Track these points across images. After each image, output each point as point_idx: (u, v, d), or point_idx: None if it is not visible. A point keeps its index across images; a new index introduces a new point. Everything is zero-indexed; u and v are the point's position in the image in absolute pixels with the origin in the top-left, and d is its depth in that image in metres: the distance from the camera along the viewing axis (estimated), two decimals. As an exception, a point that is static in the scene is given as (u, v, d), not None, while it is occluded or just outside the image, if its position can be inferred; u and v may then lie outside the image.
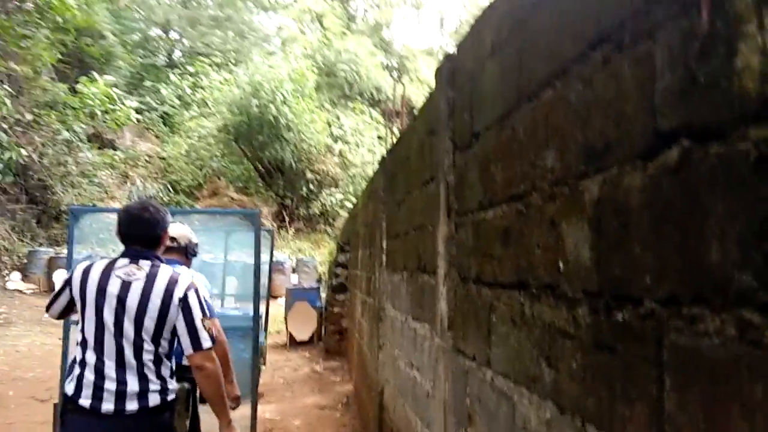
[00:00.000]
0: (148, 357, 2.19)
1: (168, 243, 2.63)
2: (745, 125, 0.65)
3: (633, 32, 0.88)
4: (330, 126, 19.90)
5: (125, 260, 2.28)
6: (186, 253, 2.99)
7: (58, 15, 13.08)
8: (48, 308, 2.37)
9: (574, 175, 1.04)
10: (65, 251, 13.13)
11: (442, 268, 1.92)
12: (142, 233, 2.32)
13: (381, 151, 19.26)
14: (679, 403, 0.74)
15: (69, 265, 4.33)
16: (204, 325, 2.25)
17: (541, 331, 1.14)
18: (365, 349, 4.49)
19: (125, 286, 2.21)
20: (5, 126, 13.68)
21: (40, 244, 14.29)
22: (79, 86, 15.96)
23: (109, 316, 2.19)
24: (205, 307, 2.30)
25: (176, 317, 2.21)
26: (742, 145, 0.65)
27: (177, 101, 21.75)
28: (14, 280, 12.31)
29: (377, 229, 3.88)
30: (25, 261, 13.13)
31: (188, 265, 3.02)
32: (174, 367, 2.33)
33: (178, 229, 2.95)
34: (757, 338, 0.62)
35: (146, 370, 2.17)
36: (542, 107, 1.19)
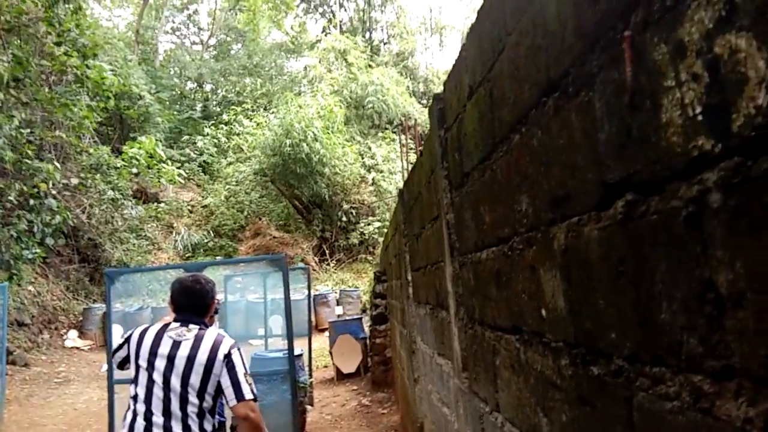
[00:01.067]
0: (192, 409, 2.38)
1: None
2: (677, 181, 0.63)
3: (575, 80, 0.87)
4: (362, 157, 20.13)
5: (177, 324, 2.56)
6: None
7: (95, 83, 13.77)
8: (113, 354, 2.70)
9: (544, 222, 1.03)
10: (118, 305, 13.58)
11: (452, 307, 1.90)
12: (193, 303, 2.63)
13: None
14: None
15: (108, 321, 4.50)
16: (246, 380, 2.44)
17: (535, 380, 1.11)
18: (406, 381, 4.46)
19: (175, 345, 2.48)
20: (54, 192, 14.36)
21: (94, 301, 14.85)
22: (124, 148, 16.69)
23: (158, 372, 2.42)
24: (246, 366, 2.50)
25: (221, 373, 2.42)
26: (676, 202, 0.63)
27: (214, 150, 22.47)
28: (71, 338, 12.79)
29: (402, 260, 3.87)
30: (81, 318, 13.65)
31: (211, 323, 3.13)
32: (216, 425, 2.47)
33: None
34: (708, 406, 0.59)
35: (190, 422, 2.37)
36: (513, 152, 1.18)
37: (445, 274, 2.02)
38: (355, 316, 8.96)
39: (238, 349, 2.54)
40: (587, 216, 0.85)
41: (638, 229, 0.71)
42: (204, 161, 23.10)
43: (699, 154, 0.58)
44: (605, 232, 0.80)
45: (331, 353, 7.81)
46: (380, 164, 19.91)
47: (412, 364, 3.54)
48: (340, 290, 14.45)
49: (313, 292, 10.87)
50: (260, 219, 21.66)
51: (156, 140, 19.08)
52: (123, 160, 16.81)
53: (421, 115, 22.26)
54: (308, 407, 5.24)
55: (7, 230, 11.89)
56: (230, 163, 21.49)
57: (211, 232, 20.51)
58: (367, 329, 7.89)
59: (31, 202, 13.26)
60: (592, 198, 0.83)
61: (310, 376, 5.89)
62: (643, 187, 0.70)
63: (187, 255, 19.72)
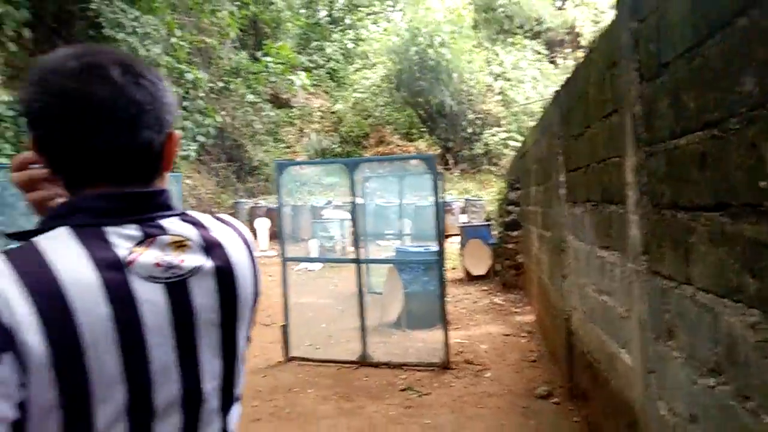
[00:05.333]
0: None
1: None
2: None
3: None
4: (489, 64, 19.49)
5: None
6: None
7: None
8: None
9: (774, 99, 1.10)
10: (262, 202, 14.90)
11: (632, 197, 2.01)
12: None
13: (544, 85, 18.43)
14: None
15: (279, 209, 5.06)
16: None
17: (743, 247, 1.24)
18: (546, 280, 4.64)
19: None
20: (202, 94, 15.62)
21: (240, 196, 16.40)
22: (259, 54, 17.55)
23: None
24: None
25: None
26: None
27: (341, 56, 22.84)
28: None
29: (552, 164, 3.94)
30: (232, 212, 15.18)
31: None
32: None
33: None
34: None
35: None
36: (737, 35, 1.24)
37: (624, 167, 2.11)
38: (486, 223, 9.18)
39: None
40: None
41: None
42: (331, 68, 23.66)
43: None
44: None
45: (461, 255, 8.19)
46: (508, 72, 19.17)
47: (561, 261, 3.70)
48: (465, 199, 14.67)
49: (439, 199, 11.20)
50: (383, 127, 22.10)
51: (288, 47, 19.89)
52: (261, 64, 17.80)
53: (553, 19, 20.83)
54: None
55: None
56: (357, 70, 21.80)
57: (338, 137, 21.39)
58: (495, 235, 8.11)
59: (184, 103, 14.65)
60: None
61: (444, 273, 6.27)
62: None
63: (317, 158, 20.78)
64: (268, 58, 18.84)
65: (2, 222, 7.89)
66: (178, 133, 0.80)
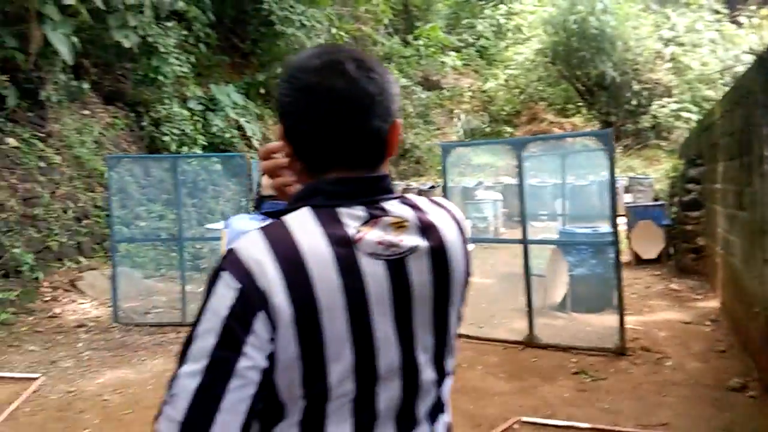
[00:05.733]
0: None
1: (270, 191, 2.07)
2: None
3: None
4: (659, 28, 17.77)
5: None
6: None
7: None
8: None
9: None
10: (413, 183, 15.24)
11: None
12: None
13: (725, 48, 16.42)
14: None
15: (445, 192, 5.17)
16: None
17: None
18: (738, 265, 4.22)
19: None
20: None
21: (393, 179, 16.89)
22: (410, 37, 17.86)
23: None
24: None
25: None
26: None
27: (492, 32, 22.33)
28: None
29: (754, 136, 3.54)
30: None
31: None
32: None
33: None
34: None
35: None
36: None
37: None
38: (657, 203, 8.51)
39: None
40: None
41: None
42: (481, 46, 23.22)
43: None
44: None
45: (628, 238, 7.69)
46: (682, 36, 17.32)
47: (763, 244, 3.34)
48: (629, 177, 13.68)
49: (600, 178, 10.59)
50: (536, 104, 21.26)
51: (439, 27, 19.96)
52: (413, 48, 18.12)
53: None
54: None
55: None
56: (508, 46, 21.17)
57: (488, 117, 21.02)
58: (670, 216, 7.48)
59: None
60: None
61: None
62: None
63: (467, 139, 20.72)
64: (419, 42, 19.12)
65: (195, 204, 9.05)
66: (399, 121, 0.85)
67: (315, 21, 12.20)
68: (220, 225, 7.40)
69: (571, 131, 18.96)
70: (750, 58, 16.93)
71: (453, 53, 20.60)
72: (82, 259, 6.82)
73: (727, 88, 17.76)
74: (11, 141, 6.66)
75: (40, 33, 6.51)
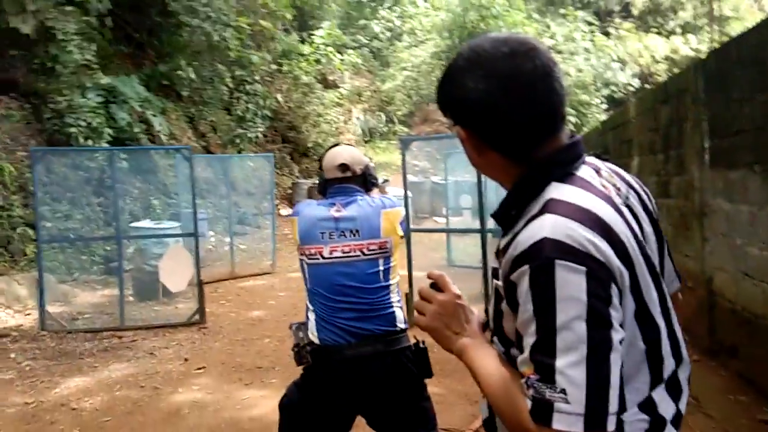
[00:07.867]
0: None
1: (340, 173, 2.13)
2: None
3: None
4: (540, 36, 19.28)
5: None
6: (365, 181, 2.21)
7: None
8: None
9: None
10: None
11: None
12: None
13: (597, 57, 18.18)
14: None
15: (405, 187, 5.28)
16: None
17: None
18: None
19: None
20: (258, 78, 15.94)
21: (297, 177, 16.74)
22: (312, 37, 17.77)
23: None
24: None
25: None
26: None
27: (388, 34, 22.82)
28: (286, 208, 14.74)
29: (688, 131, 4.06)
30: (290, 191, 15.54)
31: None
32: None
33: (349, 152, 2.22)
34: None
35: None
36: None
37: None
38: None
39: None
40: None
41: None
42: (375, 47, 23.64)
43: None
44: None
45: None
46: (560, 44, 18.96)
47: (695, 226, 3.84)
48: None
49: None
50: (428, 105, 22.10)
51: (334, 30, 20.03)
52: (310, 46, 18.02)
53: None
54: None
55: (228, 112, 13.74)
56: (405, 48, 21.82)
57: (384, 117, 21.51)
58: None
59: (246, 87, 15.02)
60: None
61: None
62: None
63: (365, 139, 21.01)
64: (318, 39, 19.05)
65: (101, 204, 8.35)
66: None
67: (222, 14, 11.76)
68: (148, 223, 6.95)
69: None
70: (617, 66, 18.90)
71: (351, 51, 20.77)
72: (-19, 265, 6.08)
73: (605, 92, 19.03)
74: None
75: None
